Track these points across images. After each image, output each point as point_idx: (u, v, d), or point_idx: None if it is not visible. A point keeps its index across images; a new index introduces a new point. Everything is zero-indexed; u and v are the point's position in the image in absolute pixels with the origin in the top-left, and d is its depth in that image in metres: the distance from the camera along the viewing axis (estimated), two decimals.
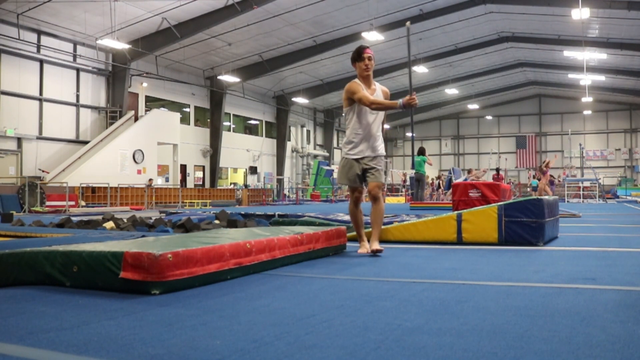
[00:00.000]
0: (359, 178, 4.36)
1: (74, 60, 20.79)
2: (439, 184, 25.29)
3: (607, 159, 41.20)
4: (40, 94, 19.65)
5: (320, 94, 31.99)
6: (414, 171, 15.71)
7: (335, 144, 39.45)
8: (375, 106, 4.20)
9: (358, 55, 4.36)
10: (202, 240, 3.18)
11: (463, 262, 3.76)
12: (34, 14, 18.05)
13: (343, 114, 4.51)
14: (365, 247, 4.33)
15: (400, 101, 4.18)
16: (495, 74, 34.51)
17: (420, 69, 26.62)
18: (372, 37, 20.69)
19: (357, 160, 4.34)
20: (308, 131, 36.63)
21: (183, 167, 25.82)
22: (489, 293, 2.59)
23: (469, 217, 4.88)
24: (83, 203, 17.80)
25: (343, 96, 4.35)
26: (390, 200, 26.33)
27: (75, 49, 20.67)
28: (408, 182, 27.65)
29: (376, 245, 4.15)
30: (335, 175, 30.82)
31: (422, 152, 15.54)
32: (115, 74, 22.18)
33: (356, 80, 4.35)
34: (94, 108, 21.77)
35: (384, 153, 4.47)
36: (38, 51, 19.27)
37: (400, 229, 5.13)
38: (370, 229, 4.37)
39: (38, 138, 19.48)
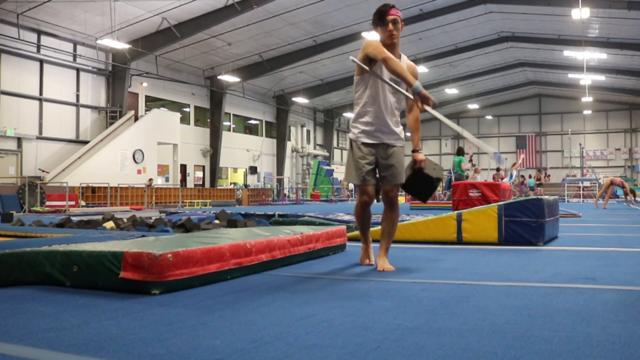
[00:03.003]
0: (372, 173, 3.36)
1: (74, 60, 20.78)
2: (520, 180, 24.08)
3: (607, 158, 41.18)
4: (40, 94, 19.64)
5: (320, 94, 31.98)
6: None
7: (335, 144, 39.43)
8: (388, 64, 3.17)
9: (380, 18, 3.31)
10: (202, 240, 3.18)
11: (463, 262, 3.76)
12: (34, 14, 18.05)
13: (353, 87, 3.45)
14: (369, 257, 3.60)
15: (418, 85, 3.15)
16: (495, 73, 34.49)
17: (420, 69, 26.60)
18: (372, 37, 20.65)
19: (368, 146, 3.34)
20: (308, 131, 36.61)
21: (183, 167, 25.81)
22: (489, 293, 2.59)
23: (469, 217, 4.88)
24: (83, 203, 17.79)
25: (359, 56, 3.34)
26: None
27: (75, 49, 20.66)
28: None
29: (385, 264, 3.33)
30: (335, 174, 30.91)
31: (460, 152, 14.53)
32: (115, 74, 22.17)
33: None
34: (94, 108, 21.76)
35: (404, 144, 3.48)
36: (38, 51, 19.26)
37: (400, 229, 5.12)
38: (375, 228, 3.92)
39: (38, 138, 19.47)
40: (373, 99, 3.33)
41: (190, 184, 26.31)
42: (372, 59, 3.29)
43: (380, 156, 3.35)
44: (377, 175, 3.43)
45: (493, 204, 5.01)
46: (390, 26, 3.30)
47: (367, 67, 3.29)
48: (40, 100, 19.63)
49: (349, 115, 37.01)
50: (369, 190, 3.39)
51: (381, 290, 2.67)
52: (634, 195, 13.73)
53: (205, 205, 20.95)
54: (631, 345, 1.65)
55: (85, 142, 20.79)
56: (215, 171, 27.51)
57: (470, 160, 21.51)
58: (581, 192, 24.03)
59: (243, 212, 7.98)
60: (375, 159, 3.34)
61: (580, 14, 18.73)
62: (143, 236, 4.54)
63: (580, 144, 27.08)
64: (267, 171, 32.39)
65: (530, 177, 32.25)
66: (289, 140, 33.69)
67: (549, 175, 36.21)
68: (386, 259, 3.39)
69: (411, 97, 3.21)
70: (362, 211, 3.55)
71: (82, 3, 17.88)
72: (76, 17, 18.80)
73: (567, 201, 21.07)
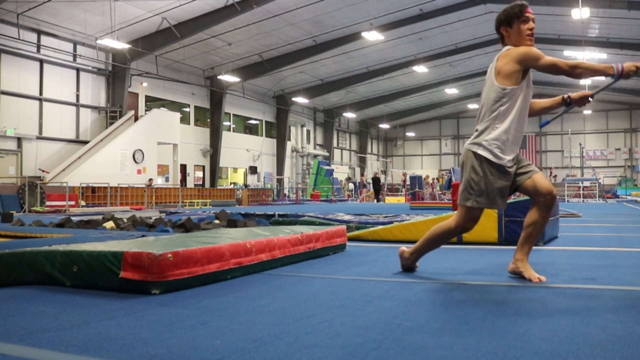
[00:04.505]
0: (505, 197, 2.93)
1: (74, 60, 20.78)
2: None
3: (607, 158, 41.20)
4: (40, 93, 19.65)
5: (320, 94, 31.99)
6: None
7: (335, 144, 39.42)
8: (581, 71, 2.78)
9: (520, 13, 2.95)
10: (202, 240, 3.18)
11: (463, 262, 3.76)
12: (34, 13, 18.05)
13: (499, 94, 2.87)
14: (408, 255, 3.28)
15: (619, 65, 2.73)
16: None
17: (420, 69, 26.63)
18: (372, 37, 20.69)
19: (510, 168, 2.89)
20: (308, 131, 36.62)
21: (183, 167, 25.81)
22: (489, 293, 2.59)
23: None
24: (83, 203, 17.79)
25: (507, 67, 2.86)
26: (390, 200, 26.34)
27: (75, 49, 20.66)
28: (408, 182, 27.66)
29: (534, 273, 2.91)
30: (335, 174, 30.89)
31: None
32: (115, 74, 22.18)
33: None
34: (94, 108, 21.77)
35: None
36: (38, 51, 19.27)
37: (400, 229, 5.13)
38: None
39: (38, 138, 19.47)
40: (521, 115, 2.90)
41: (190, 184, 26.32)
42: (527, 69, 2.88)
43: (516, 170, 2.95)
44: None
45: None
46: (532, 24, 2.94)
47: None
48: (40, 100, 19.64)
49: (349, 115, 37.03)
50: (478, 215, 2.98)
51: (381, 290, 2.67)
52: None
53: (205, 205, 20.94)
54: (631, 345, 1.65)
55: (85, 142, 20.79)
56: (215, 171, 27.51)
57: None
58: (581, 192, 24.02)
59: (243, 212, 7.98)
60: (510, 178, 2.93)
61: (580, 14, 18.74)
62: (143, 236, 4.54)
63: (580, 144, 27.07)
64: (267, 171, 32.40)
65: None
66: (289, 140, 33.70)
67: (555, 176, 36.17)
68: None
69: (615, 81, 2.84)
70: (454, 236, 3.09)
71: (82, 3, 17.88)
72: (76, 17, 18.80)
73: (567, 201, 21.07)
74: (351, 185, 33.31)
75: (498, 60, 2.94)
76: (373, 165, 39.26)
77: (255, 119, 31.95)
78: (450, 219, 3.08)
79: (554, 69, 2.82)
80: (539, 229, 2.93)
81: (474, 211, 2.93)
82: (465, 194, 2.93)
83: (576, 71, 2.77)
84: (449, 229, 3.03)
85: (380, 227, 5.32)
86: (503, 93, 2.86)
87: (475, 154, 2.93)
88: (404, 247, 3.32)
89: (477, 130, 2.98)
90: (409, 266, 3.27)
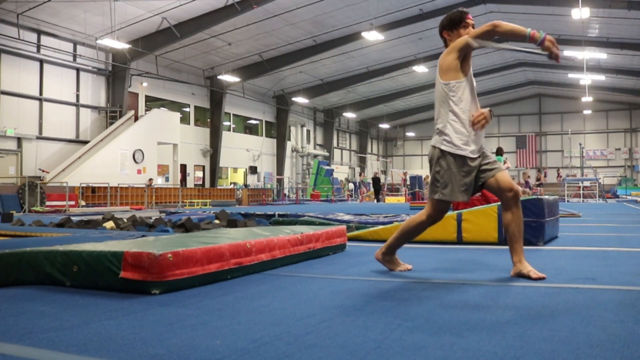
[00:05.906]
0: (472, 189, 3.06)
1: (74, 60, 20.78)
2: None
3: (607, 158, 41.20)
4: (40, 93, 19.64)
5: (320, 94, 31.99)
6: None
7: (335, 144, 39.41)
8: (501, 30, 2.92)
9: (460, 20, 3.13)
10: (202, 240, 3.18)
11: (463, 262, 3.76)
12: (34, 13, 18.05)
13: (445, 90, 3.05)
14: (401, 264, 3.36)
15: (536, 32, 2.98)
16: (495, 73, 34.49)
17: (420, 69, 26.63)
18: (372, 36, 20.68)
19: (473, 160, 3.03)
20: (308, 131, 36.60)
21: (183, 167, 25.80)
22: (489, 293, 2.59)
23: (469, 217, 4.87)
24: (83, 203, 17.79)
25: (446, 63, 3.04)
26: (390, 200, 26.33)
27: (75, 49, 20.66)
28: (408, 182, 27.66)
29: (530, 268, 2.97)
30: (335, 174, 30.87)
31: (499, 152, 13.69)
32: (115, 74, 22.17)
33: None
34: (94, 108, 21.76)
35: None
36: (38, 51, 19.26)
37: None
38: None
39: (38, 138, 19.47)
40: (471, 107, 3.05)
41: (190, 183, 26.31)
42: (466, 51, 3.03)
43: (480, 163, 3.08)
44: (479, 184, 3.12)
45: (493, 204, 5.00)
46: (471, 29, 3.11)
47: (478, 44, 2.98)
48: (40, 100, 19.63)
49: (349, 115, 37.01)
50: (445, 207, 3.15)
51: (381, 290, 2.67)
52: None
53: (205, 205, 20.94)
54: (631, 345, 1.65)
55: (85, 142, 20.79)
56: (215, 171, 27.51)
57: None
58: (581, 192, 24.01)
59: (243, 212, 7.99)
60: (476, 171, 3.06)
61: (580, 14, 18.73)
62: (143, 236, 4.54)
63: (580, 144, 27.06)
64: (267, 171, 32.39)
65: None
66: (289, 140, 33.69)
67: (559, 175, 36.09)
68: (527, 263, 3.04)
69: (538, 52, 3.04)
70: (426, 225, 3.20)
71: (82, 3, 17.88)
72: (76, 17, 18.80)
73: (567, 201, 21.07)
74: (351, 185, 33.32)
75: (439, 60, 3.14)
76: (373, 165, 39.27)
77: (255, 119, 31.95)
78: (421, 212, 3.23)
79: (482, 36, 2.96)
80: (517, 226, 3.01)
81: (441, 204, 3.11)
82: (432, 187, 3.11)
83: (498, 29, 2.90)
84: (422, 222, 3.20)
85: (380, 227, 5.32)
86: (448, 88, 3.05)
87: (439, 149, 3.08)
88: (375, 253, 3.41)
89: (437, 129, 3.13)
90: (389, 261, 3.35)
